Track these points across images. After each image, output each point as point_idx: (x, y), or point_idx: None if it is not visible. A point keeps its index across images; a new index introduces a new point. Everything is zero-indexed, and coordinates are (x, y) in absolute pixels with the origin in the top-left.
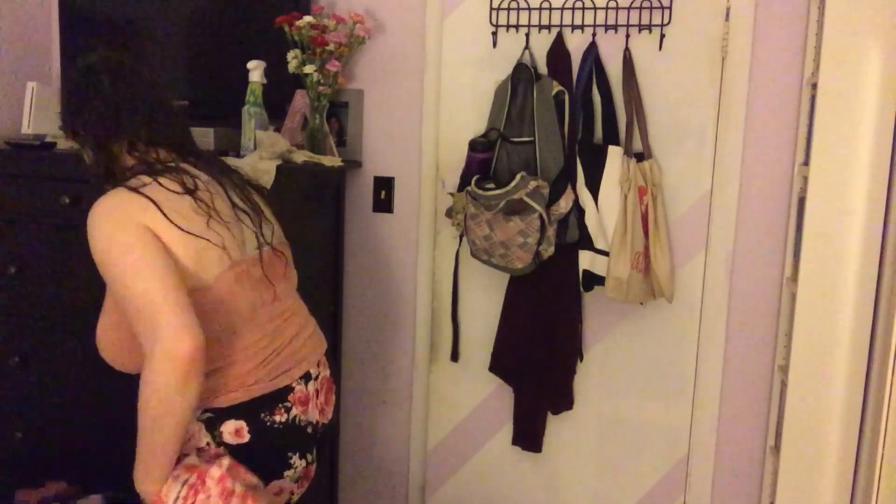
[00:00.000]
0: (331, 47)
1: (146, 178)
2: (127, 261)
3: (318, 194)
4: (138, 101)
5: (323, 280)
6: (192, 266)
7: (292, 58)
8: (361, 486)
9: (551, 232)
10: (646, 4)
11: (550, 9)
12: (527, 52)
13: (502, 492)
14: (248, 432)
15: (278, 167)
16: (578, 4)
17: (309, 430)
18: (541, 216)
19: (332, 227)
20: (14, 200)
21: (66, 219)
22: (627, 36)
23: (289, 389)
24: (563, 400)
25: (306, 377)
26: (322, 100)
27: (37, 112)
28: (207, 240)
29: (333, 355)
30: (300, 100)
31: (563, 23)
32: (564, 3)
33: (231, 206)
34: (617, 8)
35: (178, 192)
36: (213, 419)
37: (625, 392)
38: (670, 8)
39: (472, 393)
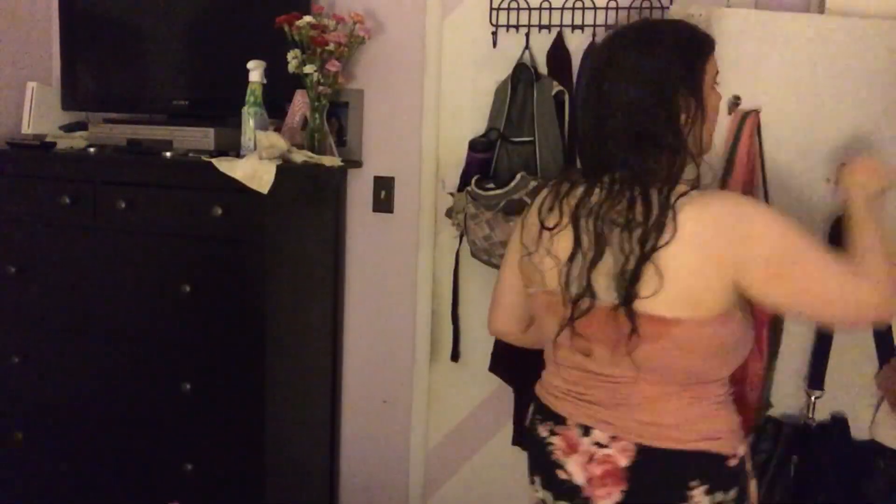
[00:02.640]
0: (331, 47)
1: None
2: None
3: (318, 194)
4: None
5: (323, 280)
6: None
7: (292, 58)
8: (361, 486)
9: None
10: (646, 4)
11: (550, 9)
12: (527, 52)
13: (502, 492)
14: None
15: (278, 167)
16: (578, 4)
17: (560, 474)
18: None
19: (332, 227)
20: (14, 200)
21: (66, 219)
22: None
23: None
24: None
25: (586, 430)
26: (322, 100)
27: (37, 112)
28: None
29: (333, 355)
30: (300, 100)
31: (563, 23)
32: (564, 3)
33: None
34: (617, 8)
35: None
36: None
37: None
38: (670, 8)
39: (472, 393)
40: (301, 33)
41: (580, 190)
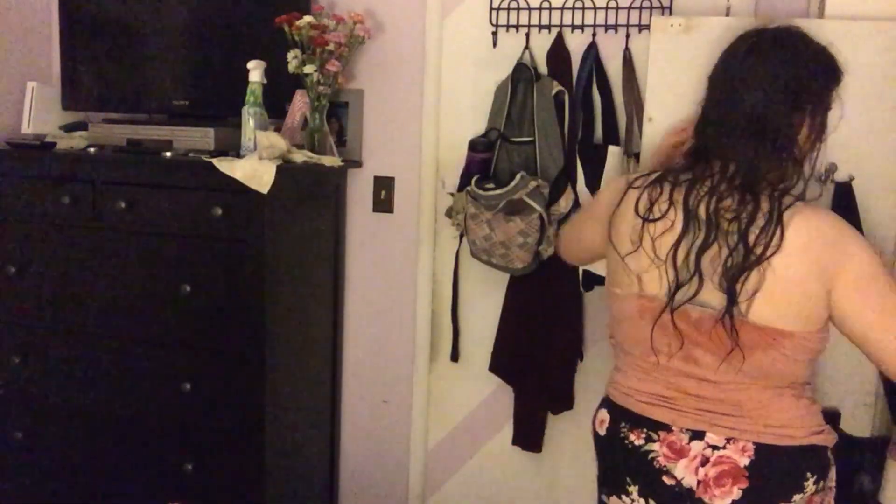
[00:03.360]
0: (331, 47)
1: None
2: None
3: (318, 194)
4: None
5: (323, 280)
6: None
7: (292, 58)
8: (361, 486)
9: (551, 232)
10: (646, 4)
11: (550, 9)
12: (527, 52)
13: (502, 492)
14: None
15: (278, 167)
16: (578, 4)
17: (666, 480)
18: (541, 216)
19: (332, 227)
20: (14, 200)
21: (66, 219)
22: (627, 36)
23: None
24: (563, 400)
25: (697, 435)
26: (322, 100)
27: (37, 112)
28: None
29: (333, 356)
30: (300, 100)
31: (563, 23)
32: (564, 3)
33: None
34: (617, 8)
35: None
36: None
37: None
38: (670, 8)
39: (472, 393)
40: (301, 33)
41: (686, 179)
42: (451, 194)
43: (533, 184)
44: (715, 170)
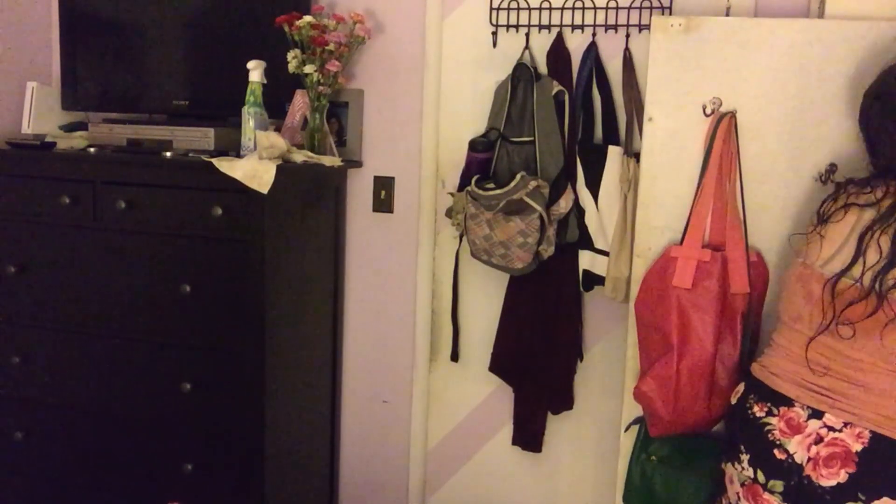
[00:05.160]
0: (331, 47)
1: None
2: None
3: (318, 194)
4: None
5: (323, 280)
6: None
7: (292, 58)
8: (361, 486)
9: (551, 232)
10: (646, 4)
11: (550, 9)
12: (527, 52)
13: (502, 492)
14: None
15: (278, 167)
16: (578, 4)
17: (777, 453)
18: (541, 216)
19: (332, 227)
20: (14, 200)
21: (66, 219)
22: (627, 36)
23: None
24: (563, 400)
25: (816, 413)
26: (322, 100)
27: (37, 112)
28: None
29: (333, 355)
30: (300, 100)
31: (563, 23)
32: (564, 3)
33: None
34: (617, 8)
35: None
36: None
37: (625, 392)
38: (670, 8)
39: (472, 393)
40: (301, 33)
41: (868, 194)
42: (451, 194)
43: (533, 184)
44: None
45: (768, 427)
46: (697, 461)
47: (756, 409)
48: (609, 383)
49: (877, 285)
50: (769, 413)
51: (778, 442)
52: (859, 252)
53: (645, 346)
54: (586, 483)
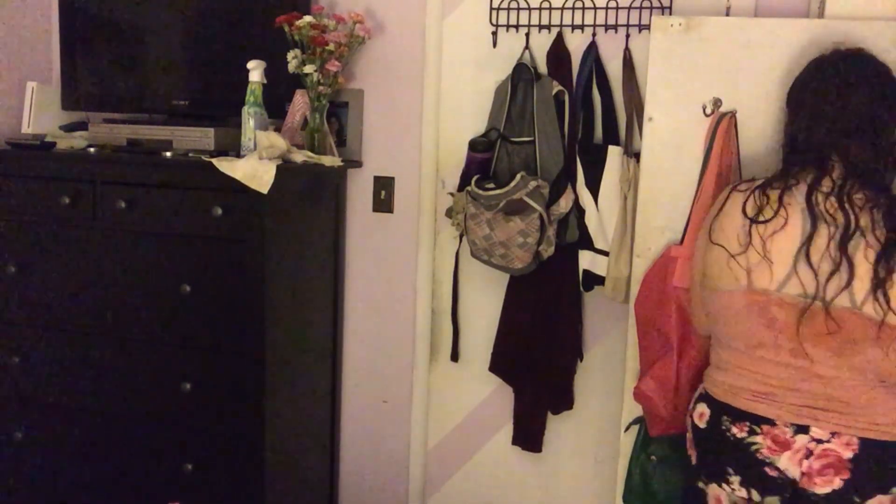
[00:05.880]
0: (331, 47)
1: None
2: None
3: (318, 194)
4: None
5: (323, 280)
6: None
7: (292, 58)
8: (361, 486)
9: (551, 232)
10: (646, 4)
11: (550, 9)
12: (527, 52)
13: (502, 492)
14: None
15: (278, 167)
16: (578, 4)
17: (769, 471)
18: (541, 216)
19: (332, 227)
20: (14, 200)
21: (66, 219)
22: (627, 36)
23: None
24: (563, 400)
25: (801, 429)
26: (322, 100)
27: (37, 112)
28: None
29: (333, 356)
30: (300, 100)
31: (563, 23)
32: (564, 3)
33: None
34: (617, 8)
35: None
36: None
37: (625, 392)
38: (670, 8)
39: (472, 393)
40: (301, 33)
41: (803, 184)
42: (451, 194)
43: (533, 184)
44: (833, 173)
45: (755, 446)
46: None
47: (735, 430)
48: (609, 383)
49: (836, 300)
50: (751, 432)
51: (768, 460)
52: (814, 270)
53: (644, 345)
54: (586, 483)
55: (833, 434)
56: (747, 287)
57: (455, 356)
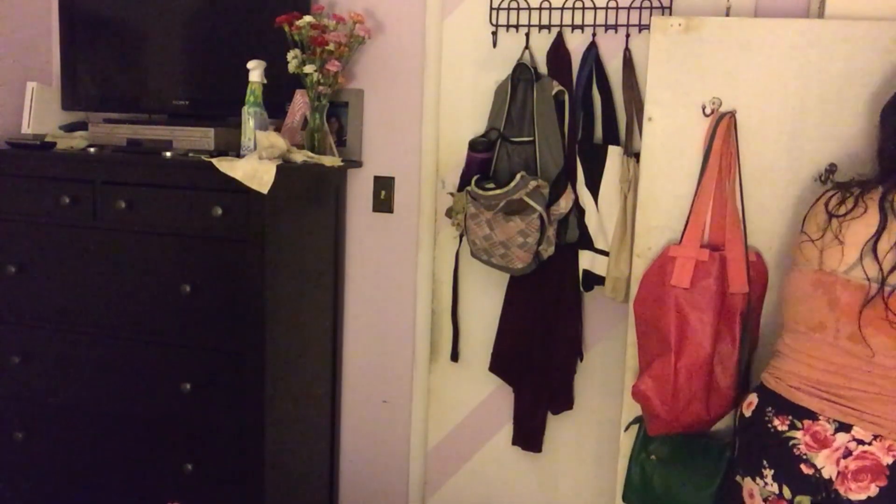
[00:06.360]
0: (331, 47)
1: None
2: None
3: (318, 194)
4: None
5: (323, 280)
6: None
7: (292, 58)
8: (361, 486)
9: (551, 232)
10: (646, 4)
11: (550, 9)
12: (527, 52)
13: (502, 492)
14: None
15: (278, 167)
16: (578, 4)
17: (804, 468)
18: (541, 216)
19: (332, 227)
20: (14, 200)
21: (66, 219)
22: (627, 36)
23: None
24: (563, 400)
25: (844, 427)
26: (322, 100)
27: (37, 112)
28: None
29: (333, 356)
30: (300, 100)
31: (563, 23)
32: (564, 3)
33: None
34: (617, 8)
35: None
36: None
37: (625, 392)
38: (670, 8)
39: (472, 393)
40: (301, 33)
41: (881, 188)
42: (451, 194)
43: (533, 184)
44: None
45: (793, 441)
46: (697, 460)
47: (777, 422)
48: (609, 383)
49: None
50: (792, 426)
51: (804, 456)
52: (879, 261)
53: (643, 345)
54: (586, 483)
55: (875, 437)
56: (818, 268)
57: (455, 356)
